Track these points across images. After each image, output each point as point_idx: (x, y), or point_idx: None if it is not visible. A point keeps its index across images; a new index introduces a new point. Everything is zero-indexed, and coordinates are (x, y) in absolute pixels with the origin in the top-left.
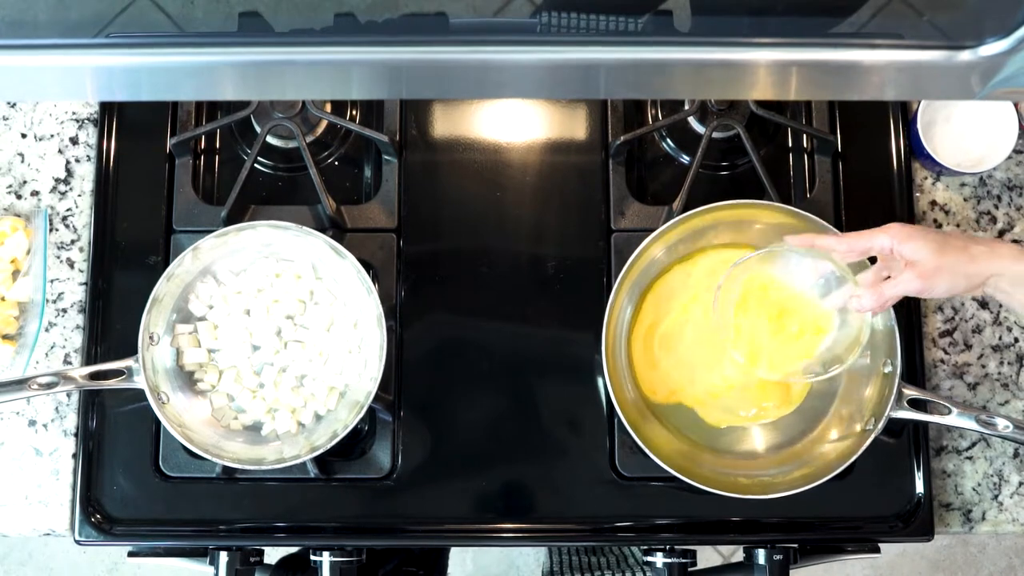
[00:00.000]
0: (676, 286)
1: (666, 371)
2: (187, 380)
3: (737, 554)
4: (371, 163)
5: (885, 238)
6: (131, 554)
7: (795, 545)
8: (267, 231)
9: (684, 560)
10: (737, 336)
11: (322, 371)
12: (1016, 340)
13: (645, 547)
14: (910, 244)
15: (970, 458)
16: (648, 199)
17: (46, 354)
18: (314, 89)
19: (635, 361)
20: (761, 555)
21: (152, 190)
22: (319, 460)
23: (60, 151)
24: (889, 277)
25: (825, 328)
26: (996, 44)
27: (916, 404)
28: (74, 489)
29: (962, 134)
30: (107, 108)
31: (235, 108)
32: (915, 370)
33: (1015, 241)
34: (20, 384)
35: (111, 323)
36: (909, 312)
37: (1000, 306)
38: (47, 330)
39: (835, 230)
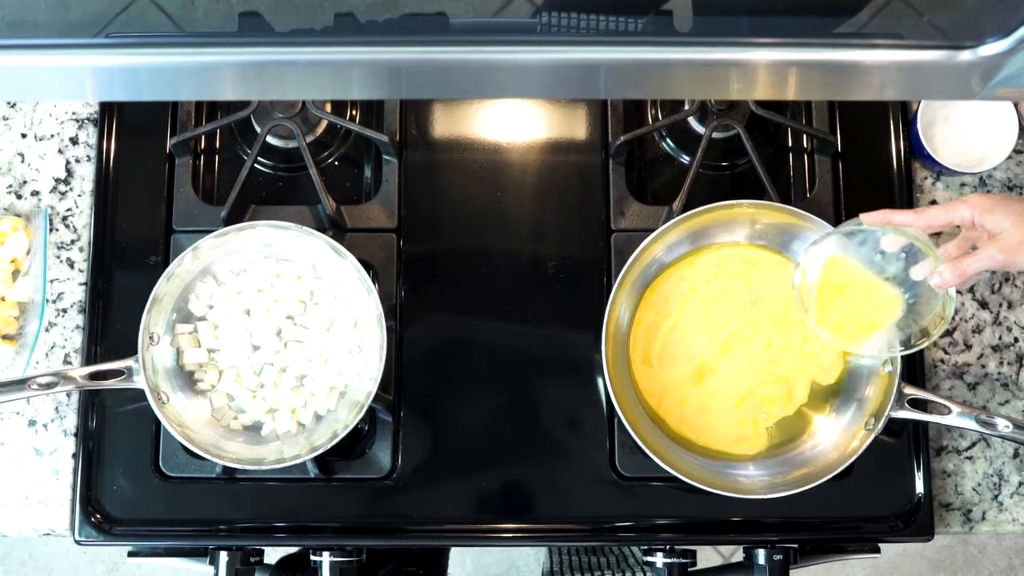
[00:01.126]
0: (676, 286)
1: (665, 379)
2: (187, 380)
3: (737, 554)
4: (371, 163)
5: (966, 210)
6: (131, 554)
7: (795, 545)
8: (267, 231)
9: (684, 560)
10: (820, 314)
11: (322, 371)
12: (1016, 340)
13: (645, 547)
14: (992, 216)
15: (970, 458)
16: (648, 199)
17: (46, 354)
18: (314, 89)
19: (635, 361)
20: (761, 555)
21: (152, 190)
22: (319, 460)
23: (60, 151)
24: (974, 248)
25: (902, 302)
26: (996, 44)
27: (916, 404)
28: (74, 489)
29: (962, 134)
30: (107, 108)
31: (235, 108)
32: (915, 370)
33: None
34: (20, 384)
35: (111, 323)
36: None
37: (1000, 306)
38: (47, 330)
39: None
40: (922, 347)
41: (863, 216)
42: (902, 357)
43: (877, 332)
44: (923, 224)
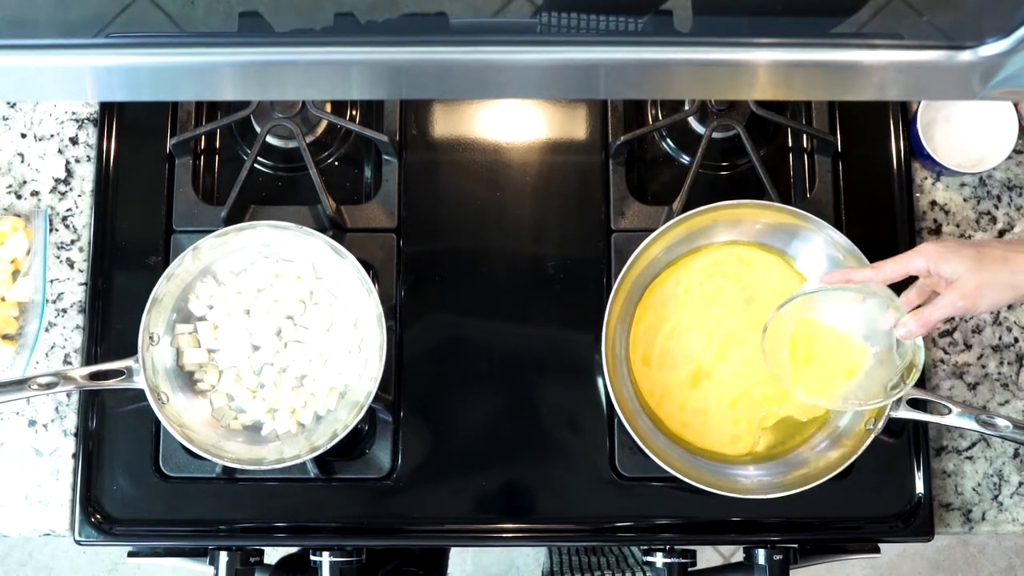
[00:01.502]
0: (675, 286)
1: (664, 381)
2: (187, 380)
3: (737, 554)
4: (371, 163)
5: (920, 260)
6: (131, 554)
7: (795, 545)
8: (267, 231)
9: (684, 560)
10: (795, 376)
11: (322, 371)
12: (1016, 340)
13: (645, 547)
14: (946, 264)
15: (970, 458)
16: (648, 199)
17: (46, 354)
18: (314, 89)
19: (634, 361)
20: (761, 555)
21: (152, 190)
22: (319, 460)
23: (60, 151)
24: (935, 292)
25: (871, 354)
26: (996, 44)
27: (916, 404)
28: (74, 489)
29: (962, 134)
30: (107, 108)
31: (235, 108)
32: None
33: None
34: (20, 384)
35: (111, 323)
36: None
37: None
38: (47, 330)
39: (837, 231)
40: (899, 396)
41: (824, 277)
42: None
43: (851, 386)
44: (881, 279)
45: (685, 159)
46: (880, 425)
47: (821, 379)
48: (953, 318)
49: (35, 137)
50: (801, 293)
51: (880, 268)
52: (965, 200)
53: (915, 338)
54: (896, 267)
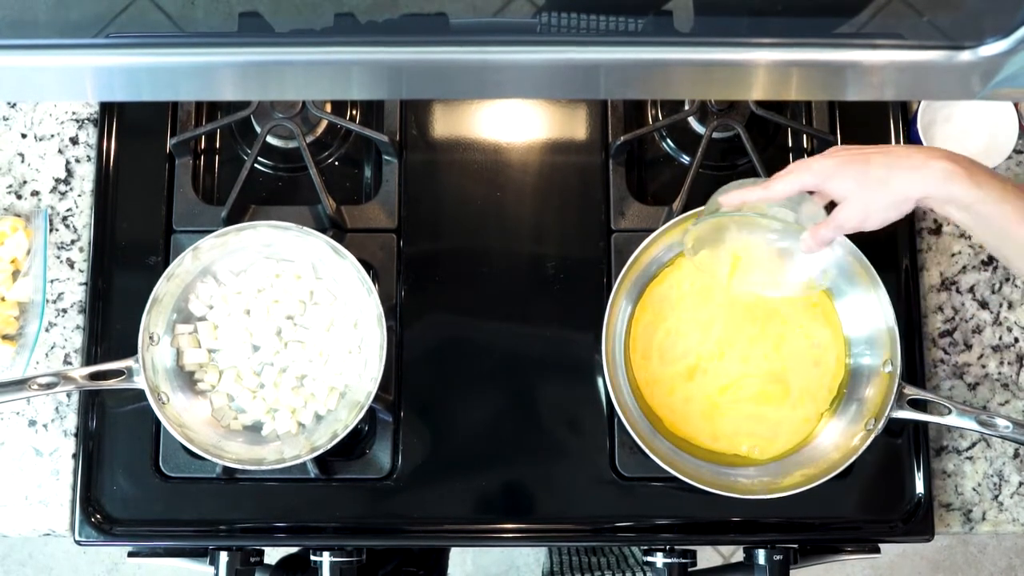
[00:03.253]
0: (673, 286)
1: (664, 378)
2: (187, 380)
3: (737, 554)
4: (371, 163)
5: (808, 177)
6: (131, 554)
7: (795, 545)
8: (267, 231)
9: (684, 560)
10: (738, 278)
11: (322, 371)
12: (1016, 340)
13: (645, 547)
14: (833, 183)
15: (970, 458)
16: (648, 199)
17: (46, 354)
18: (314, 89)
19: (634, 361)
20: (761, 555)
21: (152, 190)
22: (319, 460)
23: (60, 151)
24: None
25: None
26: (996, 44)
27: (916, 404)
28: (74, 489)
29: (962, 134)
30: (107, 108)
31: (235, 108)
32: (915, 370)
33: None
34: (20, 384)
35: (111, 323)
36: (909, 312)
37: (1000, 306)
38: (47, 330)
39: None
40: (822, 287)
41: (722, 200)
42: (902, 357)
43: (785, 277)
44: (774, 197)
45: (685, 159)
46: (880, 425)
47: (757, 275)
48: (953, 317)
49: (35, 137)
50: (704, 219)
51: (771, 187)
52: None
53: (817, 251)
54: (785, 186)
